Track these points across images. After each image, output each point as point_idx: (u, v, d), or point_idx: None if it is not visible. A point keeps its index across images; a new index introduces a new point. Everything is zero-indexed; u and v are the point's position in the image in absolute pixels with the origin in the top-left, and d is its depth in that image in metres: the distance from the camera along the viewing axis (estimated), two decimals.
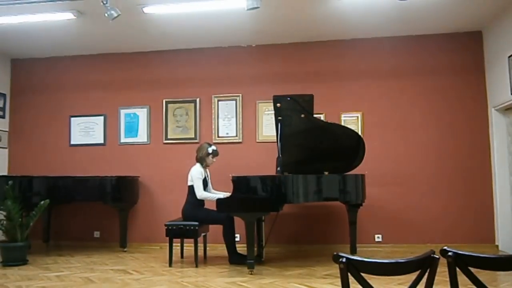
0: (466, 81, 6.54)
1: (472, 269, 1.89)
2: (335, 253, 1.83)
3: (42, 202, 5.78)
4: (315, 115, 5.58)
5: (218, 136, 6.98)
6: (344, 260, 1.80)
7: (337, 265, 1.82)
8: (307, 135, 5.59)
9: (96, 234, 7.14)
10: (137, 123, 7.23)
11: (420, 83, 6.63)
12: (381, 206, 6.48)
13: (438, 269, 1.87)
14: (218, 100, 7.04)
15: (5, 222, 5.66)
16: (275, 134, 5.52)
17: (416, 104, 6.61)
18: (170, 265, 5.46)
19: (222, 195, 5.46)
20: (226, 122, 6.99)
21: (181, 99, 7.14)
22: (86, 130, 7.36)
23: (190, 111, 7.11)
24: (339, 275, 1.83)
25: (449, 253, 1.89)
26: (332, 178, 5.34)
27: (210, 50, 7.15)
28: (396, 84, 6.69)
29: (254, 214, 5.11)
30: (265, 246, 5.90)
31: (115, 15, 5.05)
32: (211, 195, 5.54)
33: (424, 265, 1.87)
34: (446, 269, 1.91)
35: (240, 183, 5.11)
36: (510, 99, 5.71)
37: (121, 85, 7.33)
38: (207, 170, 5.86)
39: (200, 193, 5.54)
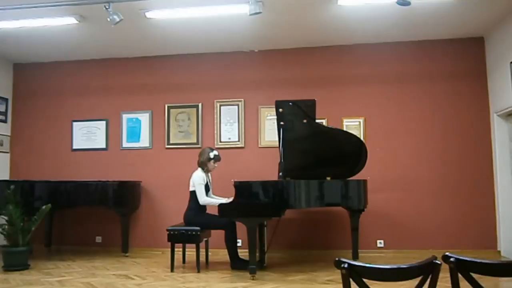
0: (468, 86, 6.53)
1: (474, 275, 1.89)
2: (337, 258, 1.83)
3: (43, 207, 5.78)
4: (317, 120, 5.58)
5: (220, 141, 6.98)
6: (346, 265, 1.80)
7: (339, 271, 1.82)
8: (309, 140, 5.59)
9: (98, 239, 7.13)
10: (139, 128, 7.24)
11: (422, 88, 6.63)
12: (383, 211, 6.47)
13: (440, 275, 1.87)
14: (220, 105, 7.05)
15: (6, 226, 5.66)
16: (277, 139, 5.52)
17: (418, 109, 6.61)
18: (172, 270, 5.45)
19: (224, 200, 5.46)
20: (228, 127, 7.00)
21: (183, 104, 7.14)
22: (88, 134, 7.37)
23: (192, 116, 7.11)
24: (341, 280, 1.83)
25: (451, 259, 1.89)
26: (334, 184, 5.35)
27: (213, 55, 7.16)
28: (398, 89, 6.69)
29: (256, 219, 5.12)
30: (267, 252, 5.88)
31: (118, 20, 5.06)
32: (213, 201, 5.54)
33: (426, 271, 1.87)
34: (448, 275, 1.90)
35: (242, 188, 5.11)
36: None
37: (123, 90, 7.35)
38: (209, 175, 5.86)
39: (202, 199, 5.54)
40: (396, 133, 6.61)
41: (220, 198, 5.73)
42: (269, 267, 5.66)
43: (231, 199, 5.23)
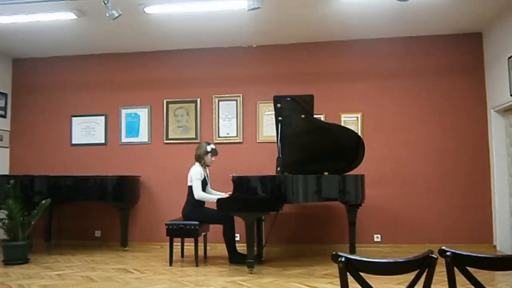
0: (466, 82, 6.56)
1: (470, 269, 1.90)
2: (334, 252, 1.85)
3: (43, 201, 5.79)
4: (315, 116, 5.59)
5: (219, 136, 7.00)
6: (343, 259, 1.81)
7: (336, 265, 1.83)
8: (307, 136, 5.60)
9: (97, 233, 7.16)
10: (138, 123, 7.25)
11: (420, 84, 6.65)
12: (380, 206, 6.50)
13: (437, 269, 1.88)
14: (219, 100, 7.06)
15: (6, 221, 5.68)
16: (275, 134, 5.54)
17: (415, 105, 6.63)
18: (170, 264, 5.48)
19: (220, 195, 5.46)
20: (227, 122, 7.01)
21: (182, 99, 7.16)
22: (87, 129, 7.38)
23: (191, 111, 7.13)
24: (338, 274, 1.85)
25: (447, 253, 1.91)
26: (332, 179, 5.36)
27: (211, 51, 7.17)
28: (396, 85, 6.71)
29: (254, 214, 5.13)
30: (265, 246, 5.92)
31: (116, 15, 5.07)
32: (209, 196, 5.54)
33: (423, 264, 1.89)
34: (444, 269, 1.92)
35: (241, 183, 5.13)
36: (509, 100, 5.73)
37: (122, 85, 7.35)
38: (207, 169, 5.88)
39: (197, 193, 5.54)
40: (394, 128, 6.64)
41: (218, 193, 5.74)
42: (267, 261, 5.70)
43: (227, 195, 5.26)
